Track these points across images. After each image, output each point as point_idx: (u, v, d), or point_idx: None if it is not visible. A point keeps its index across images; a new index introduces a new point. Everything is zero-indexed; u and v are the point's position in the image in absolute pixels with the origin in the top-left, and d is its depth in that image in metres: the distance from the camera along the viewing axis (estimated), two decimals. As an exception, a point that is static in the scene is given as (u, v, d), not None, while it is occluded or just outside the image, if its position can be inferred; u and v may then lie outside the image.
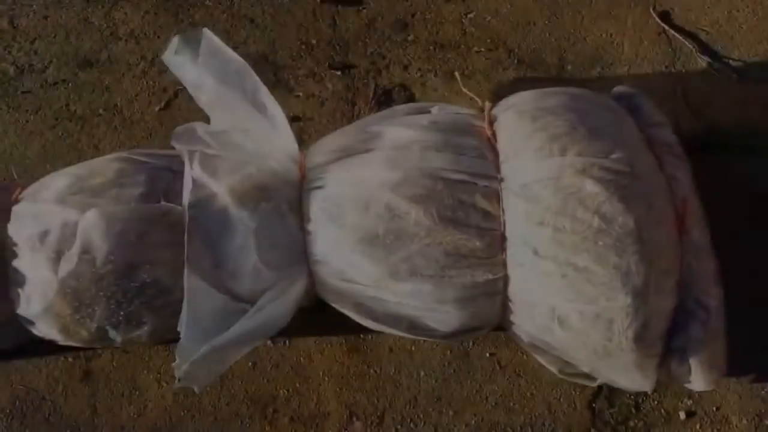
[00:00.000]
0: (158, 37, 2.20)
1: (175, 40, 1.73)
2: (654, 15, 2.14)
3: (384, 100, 2.07)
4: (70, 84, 2.13)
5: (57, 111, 2.08)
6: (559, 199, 1.42)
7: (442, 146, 1.52)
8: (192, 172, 1.52)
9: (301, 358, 1.69)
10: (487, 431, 1.60)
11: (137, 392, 1.64)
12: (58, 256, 1.47)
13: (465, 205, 1.47)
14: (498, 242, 1.47)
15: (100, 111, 2.08)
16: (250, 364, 1.68)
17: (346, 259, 1.50)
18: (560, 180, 1.43)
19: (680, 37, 2.10)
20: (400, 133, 1.55)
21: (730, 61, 2.06)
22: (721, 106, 1.98)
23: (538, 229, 1.43)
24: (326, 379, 1.67)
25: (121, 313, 1.50)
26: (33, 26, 2.23)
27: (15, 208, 1.54)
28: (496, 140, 1.54)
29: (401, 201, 1.46)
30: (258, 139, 1.60)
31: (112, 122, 2.05)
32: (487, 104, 1.60)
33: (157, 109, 2.08)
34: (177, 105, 2.09)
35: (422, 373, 1.67)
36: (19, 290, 1.50)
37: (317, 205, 1.52)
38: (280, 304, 1.52)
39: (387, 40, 2.18)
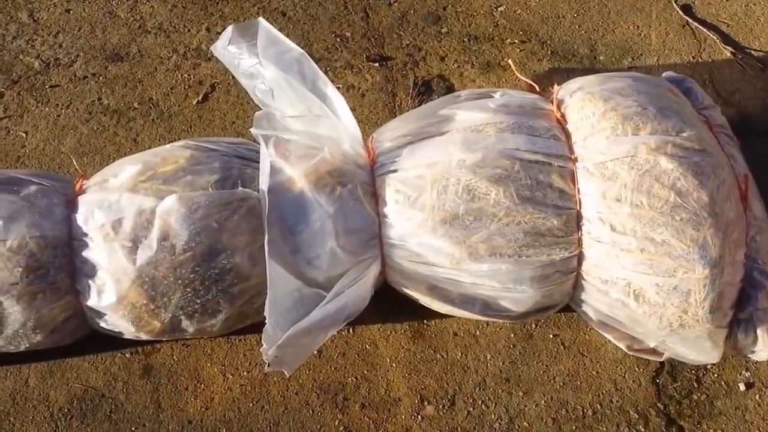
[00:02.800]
0: (188, 30, 2.17)
1: (229, 30, 1.73)
2: (677, 8, 2.22)
3: (424, 90, 2.08)
4: (100, 78, 2.07)
5: (89, 105, 2.02)
6: (636, 176, 1.45)
7: (516, 128, 1.54)
8: (269, 156, 1.49)
9: (367, 346, 1.68)
10: (557, 410, 1.61)
11: (202, 385, 1.60)
12: (134, 244, 1.42)
13: (542, 185, 1.49)
14: (574, 220, 1.49)
15: (135, 104, 2.03)
16: (316, 353, 1.65)
17: (425, 241, 1.50)
18: (635, 158, 1.46)
19: (704, 29, 2.17)
20: (473, 115, 1.56)
21: (752, 52, 2.13)
22: (748, 94, 2.05)
23: (616, 205, 1.45)
24: (393, 365, 1.65)
25: (198, 301, 1.47)
26: (55, 20, 2.17)
27: (82, 198, 1.49)
28: (565, 122, 1.56)
29: (480, 181, 1.47)
30: (326, 125, 1.60)
31: (149, 115, 2.01)
32: (556, 87, 1.63)
33: (195, 102, 2.04)
34: (215, 98, 2.06)
35: (489, 356, 1.68)
36: (90, 281, 1.45)
37: (393, 188, 1.52)
38: (358, 288, 1.51)
39: (421, 33, 2.20)
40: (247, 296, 1.51)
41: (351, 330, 1.69)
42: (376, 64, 2.14)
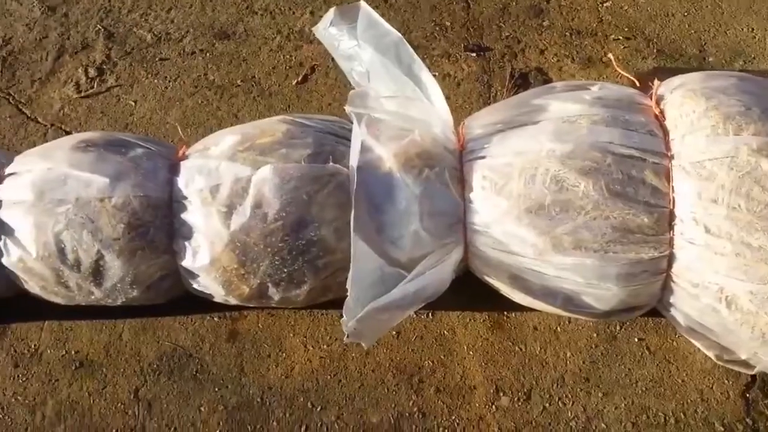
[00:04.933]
0: (293, 13, 2.23)
1: (331, 13, 1.77)
2: (795, 11, 2.11)
3: (521, 83, 2.07)
4: (207, 54, 2.16)
5: (195, 79, 2.11)
6: (735, 177, 1.40)
7: (610, 121, 1.50)
8: (361, 134, 1.52)
9: (445, 331, 1.68)
10: (637, 415, 1.57)
11: (284, 354, 1.64)
12: (229, 210, 1.48)
13: (634, 181, 1.45)
14: (666, 219, 1.45)
15: (238, 82, 2.10)
16: (394, 333, 1.67)
17: (509, 230, 1.49)
18: (735, 159, 1.41)
19: (824, 34, 2.06)
20: (567, 106, 1.54)
21: None
22: None
23: (712, 207, 1.40)
24: (470, 353, 1.65)
25: (285, 270, 1.51)
26: (169, -3, 2.27)
27: (184, 163, 1.56)
28: (663, 118, 1.52)
29: (570, 173, 1.45)
30: (418, 108, 1.61)
31: (250, 93, 2.08)
32: (656, 82, 1.59)
33: (294, 82, 2.10)
34: (314, 80, 2.11)
35: (569, 354, 1.65)
36: (186, 243, 1.52)
37: (480, 175, 1.52)
38: (438, 271, 1.51)
39: (522, 25, 2.18)
40: (331, 269, 1.54)
41: (430, 314, 1.70)
42: (474, 54, 2.13)
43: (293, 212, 1.48)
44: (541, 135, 1.52)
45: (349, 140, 1.60)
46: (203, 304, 1.66)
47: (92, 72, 2.11)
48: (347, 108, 1.57)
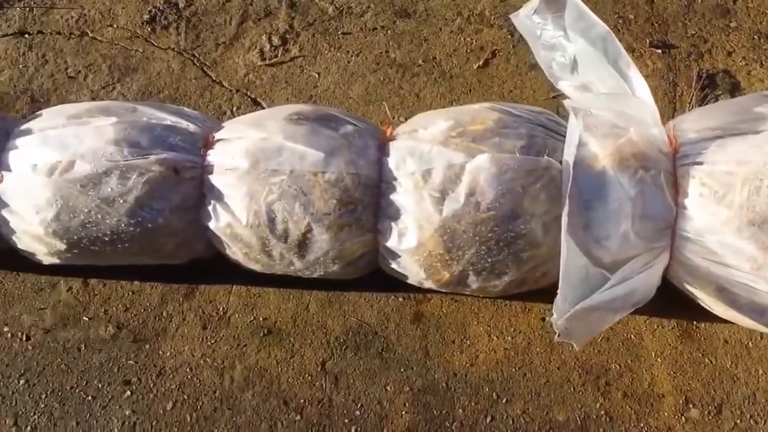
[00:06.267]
0: (476, -5, 2.19)
1: (535, 1, 1.73)
2: None
3: (708, 84, 1.98)
4: (388, 31, 2.15)
5: (377, 56, 2.10)
6: None
7: None
8: (578, 129, 1.48)
9: (632, 336, 1.64)
10: (834, 443, 1.50)
11: (468, 341, 1.63)
12: (442, 196, 1.47)
13: None
14: None
15: (420, 61, 2.08)
16: (579, 332, 1.64)
17: (726, 241, 1.43)
18: None
19: None
20: (798, 118, 1.46)
21: None
22: None
23: None
24: (659, 360, 1.61)
25: (489, 260, 1.49)
26: (350, -29, 2.26)
27: (393, 144, 1.55)
28: None
29: (802, 188, 1.38)
30: (633, 106, 1.56)
31: (431, 74, 2.05)
32: None
33: (475, 66, 2.06)
34: (494, 65, 2.07)
35: (761, 371, 1.59)
36: (392, 224, 1.51)
37: (698, 181, 1.46)
38: (648, 275, 1.47)
39: (708, 24, 2.09)
40: (533, 263, 1.52)
41: (616, 317, 1.66)
42: (659, 51, 2.06)
43: (506, 203, 1.46)
44: (766, 145, 1.45)
45: (557, 133, 1.57)
46: (390, 282, 1.66)
47: (276, 40, 2.12)
48: (567, 102, 1.53)
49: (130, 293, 1.68)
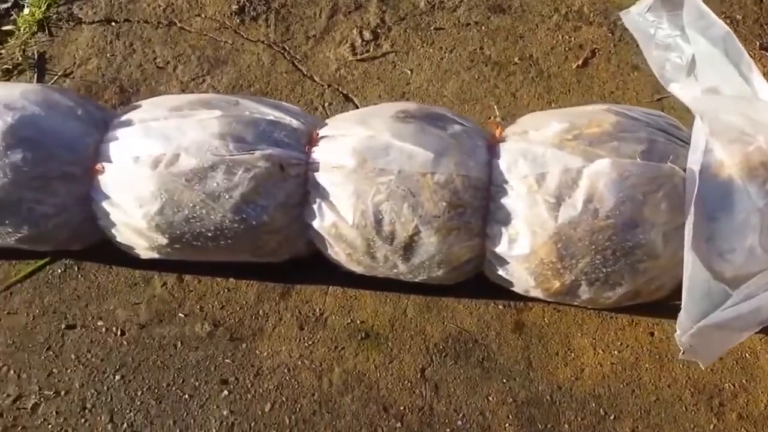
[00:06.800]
0: (575, -9, 2.11)
1: (649, -1, 1.65)
2: None
3: (823, 90, 1.87)
4: (482, 27, 2.08)
5: (471, 53, 2.04)
6: None
7: None
8: (705, 135, 1.40)
9: (747, 354, 1.56)
10: None
11: (572, 354, 1.57)
12: (557, 201, 1.40)
13: None
14: None
15: (516, 59, 2.01)
16: (689, 348, 1.56)
17: None
18: None
19: None
20: None
21: None
22: None
23: None
24: (775, 381, 1.52)
25: (603, 270, 1.42)
26: (440, -36, 2.20)
27: (504, 145, 1.49)
28: None
29: None
30: (762, 111, 1.47)
31: (528, 72, 1.99)
32: None
33: (574, 65, 1.99)
34: (594, 64, 1.99)
35: None
36: (503, 229, 1.45)
37: (833, 194, 1.37)
38: (775, 293, 1.38)
39: (823, 26, 1.98)
40: (649, 275, 1.45)
41: (729, 333, 1.57)
42: (769, 53, 1.97)
43: (626, 211, 1.39)
44: None
45: (678, 138, 1.49)
46: (489, 289, 1.60)
47: (367, 35, 2.07)
48: (692, 105, 1.45)
49: (226, 290, 1.65)
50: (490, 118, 1.91)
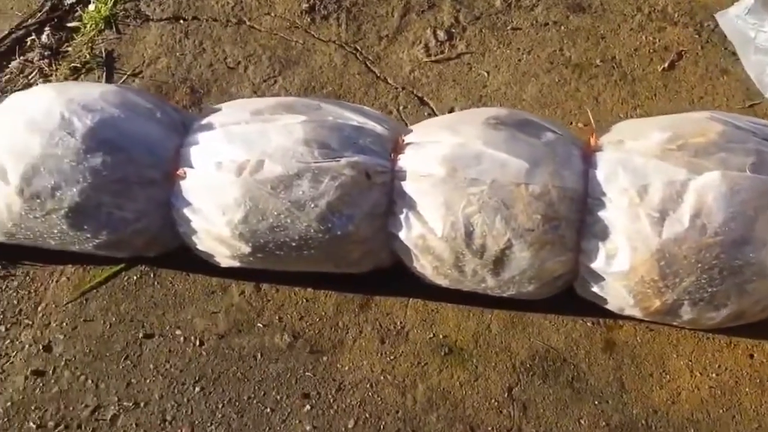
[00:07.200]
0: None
1: (749, 0, 1.57)
2: None
3: None
4: (561, 27, 2.00)
5: (550, 54, 1.96)
6: None
7: None
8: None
9: None
10: None
11: (667, 376, 1.49)
12: (661, 216, 1.33)
13: None
14: None
15: (597, 61, 1.93)
16: (785, 373, 1.48)
17: None
18: None
19: None
20: None
21: None
22: None
23: None
24: None
25: (709, 290, 1.35)
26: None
27: (600, 155, 1.42)
28: None
29: None
30: None
31: (611, 75, 1.91)
32: None
33: (660, 68, 1.90)
34: (681, 67, 1.91)
35: None
36: (600, 244, 1.38)
37: None
38: None
39: None
40: (757, 296, 1.37)
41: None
42: None
43: (736, 228, 1.31)
44: None
45: (787, 150, 1.40)
46: (576, 304, 1.53)
47: (441, 35, 2.01)
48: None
49: (304, 300, 1.60)
50: (571, 123, 1.83)
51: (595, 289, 1.44)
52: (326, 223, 1.42)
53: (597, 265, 1.40)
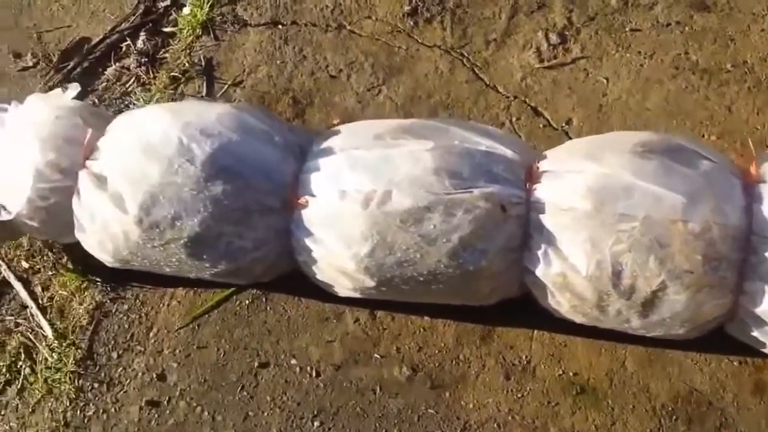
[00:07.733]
0: (793, -15, 1.86)
1: None
2: None
3: None
4: (685, 28, 1.86)
5: (675, 58, 1.82)
6: None
7: None
8: None
9: None
10: None
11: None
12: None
13: None
14: None
15: (727, 66, 1.79)
16: None
17: None
18: None
19: None
20: None
21: None
22: None
23: None
24: None
25: None
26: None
27: (764, 187, 1.30)
28: None
29: None
30: None
31: (744, 82, 1.76)
32: None
33: (798, 75, 1.75)
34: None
35: None
36: (766, 286, 1.27)
37: None
38: None
39: None
40: None
41: None
42: None
43: None
44: None
45: None
46: (719, 341, 1.42)
47: (553, 38, 1.88)
48: None
49: (422, 330, 1.52)
50: (703, 136, 1.70)
51: (755, 333, 1.33)
52: (458, 259, 1.33)
53: (762, 309, 1.28)
